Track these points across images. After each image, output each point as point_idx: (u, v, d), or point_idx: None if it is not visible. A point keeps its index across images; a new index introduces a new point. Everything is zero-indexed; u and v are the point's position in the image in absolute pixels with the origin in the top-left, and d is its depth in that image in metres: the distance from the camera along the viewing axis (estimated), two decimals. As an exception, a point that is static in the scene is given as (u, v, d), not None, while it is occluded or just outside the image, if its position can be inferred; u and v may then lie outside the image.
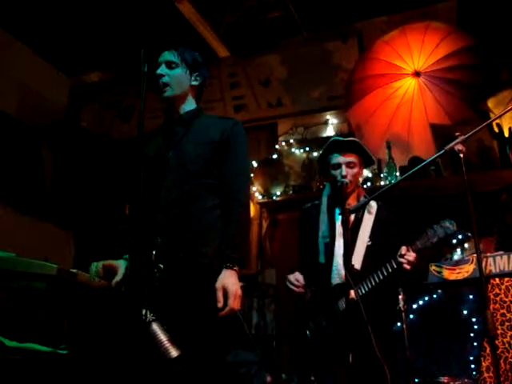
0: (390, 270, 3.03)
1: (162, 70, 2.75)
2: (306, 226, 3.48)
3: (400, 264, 2.99)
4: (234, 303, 2.38)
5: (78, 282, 2.33)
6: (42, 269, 2.24)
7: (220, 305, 2.37)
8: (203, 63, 2.91)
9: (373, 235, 3.23)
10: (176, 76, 2.76)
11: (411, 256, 2.99)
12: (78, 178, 6.22)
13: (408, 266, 2.98)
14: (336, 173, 3.29)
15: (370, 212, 3.30)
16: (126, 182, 2.59)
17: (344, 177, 3.23)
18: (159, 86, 2.73)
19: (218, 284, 2.42)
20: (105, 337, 2.51)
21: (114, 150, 6.28)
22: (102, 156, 6.20)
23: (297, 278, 3.32)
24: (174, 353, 2.14)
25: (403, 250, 3.00)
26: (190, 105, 2.83)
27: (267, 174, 5.66)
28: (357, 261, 3.15)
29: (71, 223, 6.22)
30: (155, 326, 2.17)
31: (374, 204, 3.33)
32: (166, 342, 2.15)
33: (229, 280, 2.42)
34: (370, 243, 3.21)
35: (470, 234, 2.94)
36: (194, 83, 2.84)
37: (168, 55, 2.80)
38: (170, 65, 2.77)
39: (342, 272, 3.03)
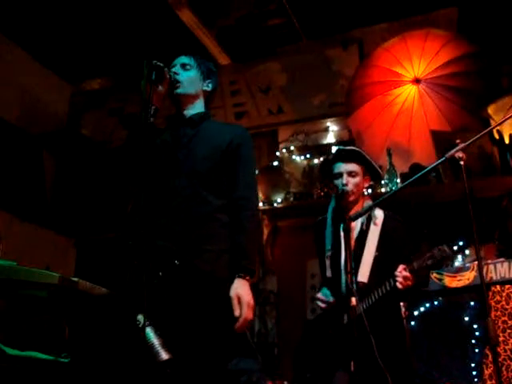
0: (388, 288, 3.00)
1: (177, 69, 2.76)
2: (317, 240, 3.48)
3: (395, 283, 2.96)
4: (248, 313, 2.40)
5: (80, 290, 2.33)
6: (43, 277, 2.24)
7: (237, 313, 2.38)
8: (216, 73, 2.94)
9: (380, 246, 3.18)
10: (189, 77, 2.77)
11: (405, 276, 2.94)
12: (79, 186, 6.22)
13: (400, 286, 2.92)
14: (338, 182, 3.29)
15: (375, 223, 3.24)
16: (130, 181, 2.58)
17: (345, 185, 3.22)
18: (171, 83, 2.70)
19: (232, 293, 2.42)
20: (106, 345, 2.51)
21: (116, 158, 6.28)
22: (103, 163, 6.20)
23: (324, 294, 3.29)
24: (164, 356, 2.14)
25: (400, 268, 2.97)
26: (199, 108, 2.82)
27: (268, 181, 5.66)
28: (364, 273, 3.12)
29: (72, 230, 6.22)
30: (148, 331, 2.17)
31: (379, 214, 3.28)
32: (157, 345, 2.15)
33: (242, 290, 2.43)
34: (377, 254, 3.17)
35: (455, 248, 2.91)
36: (205, 88, 2.85)
37: (184, 58, 2.82)
38: (184, 66, 2.79)
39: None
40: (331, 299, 3.22)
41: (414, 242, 3.20)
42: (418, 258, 2.96)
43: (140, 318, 2.12)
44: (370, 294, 3.04)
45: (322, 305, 3.26)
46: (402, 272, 2.93)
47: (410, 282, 2.94)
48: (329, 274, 3.24)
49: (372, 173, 3.39)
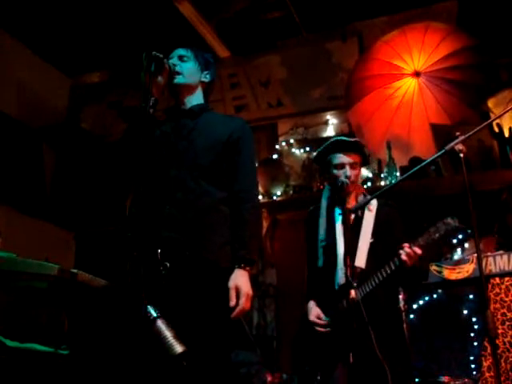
0: (393, 267, 2.98)
1: (174, 61, 2.75)
2: (309, 229, 3.46)
3: (401, 261, 2.95)
4: (246, 303, 2.41)
5: (79, 281, 2.33)
6: (42, 269, 2.25)
7: (233, 303, 2.39)
8: (214, 64, 2.94)
9: (375, 232, 3.17)
10: (187, 68, 2.77)
11: (412, 251, 2.94)
12: (79, 179, 6.22)
13: (408, 260, 2.92)
14: (339, 173, 3.24)
15: (370, 210, 3.25)
16: (129, 172, 2.58)
17: (348, 177, 3.20)
18: (171, 73, 2.69)
19: (231, 283, 2.44)
20: (106, 337, 2.51)
21: (115, 150, 6.26)
22: (103, 157, 6.20)
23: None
24: (178, 349, 2.13)
25: (405, 245, 2.97)
26: (198, 99, 2.82)
27: (267, 174, 5.66)
28: (361, 259, 3.11)
29: (72, 224, 6.22)
30: (160, 323, 2.16)
31: (373, 201, 3.29)
32: (170, 338, 2.14)
33: (241, 280, 2.44)
34: (372, 240, 3.17)
35: (469, 231, 2.91)
36: (203, 79, 2.85)
37: (181, 51, 2.82)
38: (181, 58, 2.78)
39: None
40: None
41: (410, 229, 3.19)
42: (423, 234, 2.95)
43: (151, 310, 2.12)
44: (368, 279, 3.03)
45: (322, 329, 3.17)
46: (405, 248, 2.92)
47: (415, 258, 2.92)
48: (320, 263, 3.22)
49: (364, 160, 3.41)
